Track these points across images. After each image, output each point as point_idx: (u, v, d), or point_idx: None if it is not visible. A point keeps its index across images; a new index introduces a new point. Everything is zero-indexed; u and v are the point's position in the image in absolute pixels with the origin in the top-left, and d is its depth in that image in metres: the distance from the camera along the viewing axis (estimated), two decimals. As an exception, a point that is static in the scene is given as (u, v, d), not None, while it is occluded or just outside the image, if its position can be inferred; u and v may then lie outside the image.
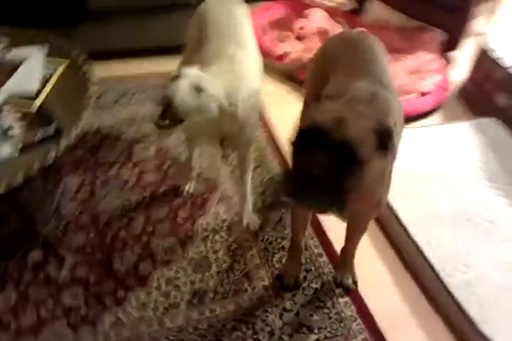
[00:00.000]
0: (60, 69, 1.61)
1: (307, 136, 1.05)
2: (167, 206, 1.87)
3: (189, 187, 1.91)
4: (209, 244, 1.76)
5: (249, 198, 1.82)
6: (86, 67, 1.62)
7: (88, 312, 1.53)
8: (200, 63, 1.60)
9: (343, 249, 1.63)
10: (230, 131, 1.53)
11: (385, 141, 1.05)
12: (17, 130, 1.39)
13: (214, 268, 1.69)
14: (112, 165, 1.99)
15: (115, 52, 2.37)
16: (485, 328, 1.52)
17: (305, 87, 1.72)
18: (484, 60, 2.38)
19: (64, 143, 1.33)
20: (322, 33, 2.78)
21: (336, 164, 1.01)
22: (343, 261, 1.66)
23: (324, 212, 1.21)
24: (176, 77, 1.40)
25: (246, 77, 1.55)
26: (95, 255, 1.68)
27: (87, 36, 2.21)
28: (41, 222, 1.75)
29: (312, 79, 1.63)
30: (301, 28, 2.79)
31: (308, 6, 3.00)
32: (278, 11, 2.98)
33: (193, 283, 1.64)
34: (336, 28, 2.83)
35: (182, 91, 1.36)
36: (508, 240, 1.81)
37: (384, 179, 1.26)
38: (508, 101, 2.29)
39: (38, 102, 1.48)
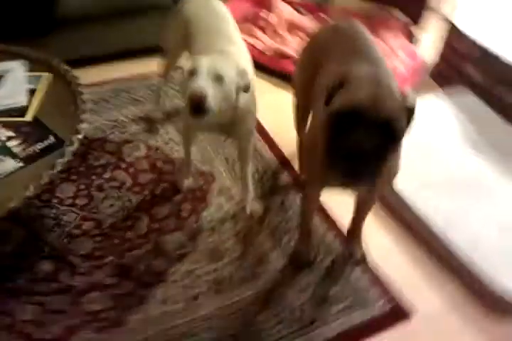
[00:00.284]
0: (45, 81, 1.59)
1: (347, 117, 1.08)
2: (169, 202, 1.87)
3: (187, 182, 1.93)
4: (217, 234, 1.78)
5: (251, 186, 1.85)
6: (70, 76, 1.60)
7: (112, 315, 1.53)
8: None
9: (353, 223, 1.69)
10: (234, 118, 1.55)
11: (411, 118, 1.11)
12: (15, 142, 1.37)
13: (227, 257, 1.71)
14: (104, 168, 1.98)
15: (89, 59, 2.34)
16: (495, 283, 1.62)
17: (295, 80, 1.76)
18: (451, 35, 2.48)
19: (70, 149, 1.32)
20: (290, 25, 2.83)
21: (381, 141, 1.06)
22: (352, 234, 1.72)
23: (358, 185, 1.24)
24: (192, 72, 1.39)
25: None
26: (106, 258, 1.68)
27: (59, 44, 2.17)
28: (43, 232, 1.73)
29: (303, 71, 1.67)
30: (266, 20, 2.82)
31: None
32: (244, 5, 3.00)
33: (209, 273, 1.66)
34: (302, 20, 2.89)
35: (207, 86, 1.35)
36: (496, 200, 1.92)
37: (400, 153, 1.32)
38: (477, 72, 2.40)
39: (29, 115, 1.46)
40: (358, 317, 1.59)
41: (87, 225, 1.77)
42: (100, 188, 1.91)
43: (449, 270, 1.75)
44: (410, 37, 2.91)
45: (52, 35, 2.17)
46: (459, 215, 1.82)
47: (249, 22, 2.82)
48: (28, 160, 1.33)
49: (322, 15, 2.96)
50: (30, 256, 1.67)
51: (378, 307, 1.62)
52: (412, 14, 2.86)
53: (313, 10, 3.09)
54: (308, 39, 1.73)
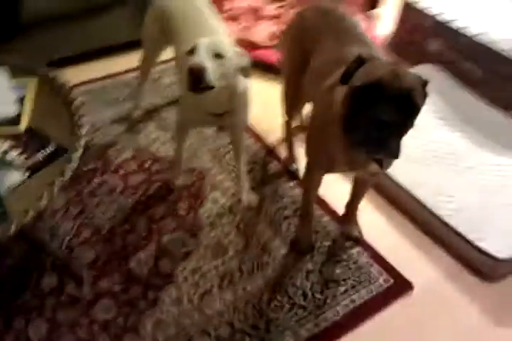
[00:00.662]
0: (32, 87, 1.54)
1: (370, 91, 1.11)
2: (164, 202, 1.88)
3: (180, 180, 1.93)
4: (218, 228, 1.81)
5: (245, 178, 1.87)
6: (59, 81, 1.56)
7: (127, 321, 1.53)
8: (177, 55, 1.61)
9: (349, 204, 1.75)
10: (231, 105, 1.55)
11: (426, 92, 1.16)
12: (14, 153, 1.33)
13: (231, 250, 1.75)
14: (93, 173, 1.95)
15: (61, 60, 2.28)
16: (482, 245, 1.73)
17: (284, 66, 1.78)
18: (410, 12, 2.55)
19: (76, 155, 1.31)
20: (253, 12, 2.83)
21: (403, 113, 1.10)
22: (349, 215, 1.79)
23: (383, 157, 1.27)
24: (191, 51, 1.39)
25: None
26: (111, 264, 1.67)
27: (27, 48, 2.09)
28: (43, 244, 1.70)
29: (291, 57, 1.69)
30: (231, 10, 2.81)
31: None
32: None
33: (216, 268, 1.69)
34: (262, 5, 2.89)
35: (206, 61, 1.35)
36: (471, 166, 2.03)
37: None
38: (440, 46, 2.49)
39: (24, 124, 1.42)
40: (364, 294, 1.66)
41: (85, 233, 1.76)
42: (92, 194, 1.88)
43: (440, 242, 1.85)
44: (368, 14, 2.97)
45: (18, 40, 2.09)
46: (441, 186, 1.92)
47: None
48: (33, 169, 1.30)
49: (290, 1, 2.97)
50: (34, 270, 1.64)
51: (381, 283, 1.70)
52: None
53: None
54: (290, 24, 1.74)
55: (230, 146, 2.11)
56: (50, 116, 1.48)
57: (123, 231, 1.78)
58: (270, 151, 2.13)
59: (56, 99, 1.52)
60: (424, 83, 1.17)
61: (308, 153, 1.49)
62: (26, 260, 1.66)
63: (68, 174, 1.26)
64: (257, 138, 2.18)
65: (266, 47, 2.62)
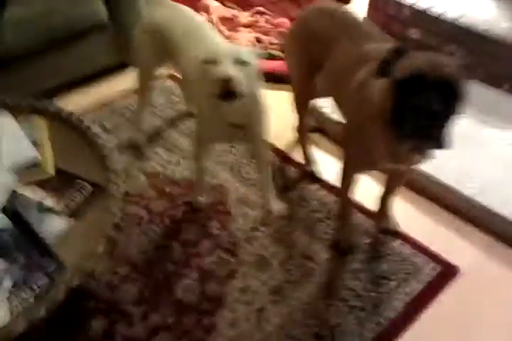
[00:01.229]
0: (42, 127, 1.49)
1: (412, 82, 1.11)
2: (195, 224, 1.84)
3: (204, 200, 1.89)
4: (255, 242, 1.78)
5: (271, 188, 1.85)
6: (75, 119, 1.52)
7: (189, 352, 1.49)
8: (183, 72, 1.59)
9: (384, 198, 1.75)
10: (252, 116, 1.55)
11: (465, 74, 1.15)
12: (51, 199, 1.28)
13: (274, 262, 1.72)
14: (114, 207, 1.90)
15: (44, 93, 2.22)
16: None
17: (293, 72, 1.76)
18: (386, 3, 2.58)
19: (119, 192, 1.27)
20: (229, 21, 2.82)
21: (447, 101, 1.10)
22: (384, 209, 1.78)
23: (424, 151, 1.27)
24: (211, 61, 1.37)
25: None
26: (157, 297, 1.62)
27: (5, 84, 2.01)
28: (83, 289, 1.64)
29: (299, 59, 1.68)
30: (208, 21, 2.79)
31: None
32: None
33: (264, 283, 1.66)
34: (234, 13, 2.89)
35: (233, 70, 1.33)
36: (481, 143, 2.05)
37: None
38: (421, 34, 2.52)
39: (50, 168, 1.37)
40: (416, 285, 1.66)
41: (123, 271, 1.69)
42: (118, 228, 1.83)
43: (474, 222, 1.86)
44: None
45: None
46: (465, 169, 1.93)
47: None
48: (77, 214, 1.26)
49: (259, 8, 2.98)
50: (80, 315, 1.58)
51: (429, 271, 1.70)
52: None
53: (240, 2, 3.10)
54: (293, 28, 1.72)
55: (244, 159, 2.10)
56: (71, 154, 1.44)
57: (160, 261, 1.72)
58: (285, 157, 2.12)
59: (71, 134, 1.47)
60: (464, 66, 1.17)
61: (347, 153, 1.49)
62: (69, 306, 1.59)
63: (118, 213, 1.22)
64: (270, 145, 2.15)
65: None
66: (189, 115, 2.31)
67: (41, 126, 1.50)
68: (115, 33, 2.38)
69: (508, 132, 2.10)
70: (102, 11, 2.25)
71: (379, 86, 1.22)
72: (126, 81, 2.54)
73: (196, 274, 1.69)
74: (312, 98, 1.81)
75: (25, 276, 1.11)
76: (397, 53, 1.19)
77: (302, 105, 1.85)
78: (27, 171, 1.36)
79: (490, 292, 1.67)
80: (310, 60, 1.61)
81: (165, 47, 1.69)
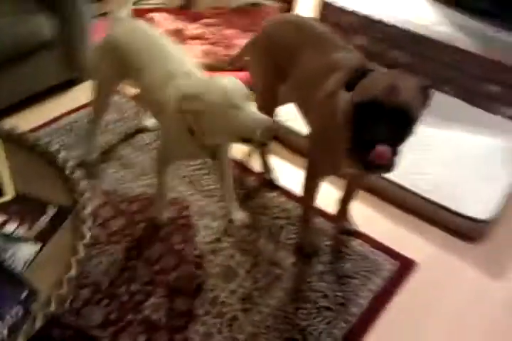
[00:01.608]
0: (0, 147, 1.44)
1: (366, 107, 1.17)
2: (156, 240, 1.82)
3: (165, 214, 1.89)
4: (220, 253, 1.79)
5: (234, 198, 1.88)
6: (32, 138, 1.48)
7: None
8: (146, 90, 1.60)
9: (343, 200, 1.82)
10: None
11: (428, 95, 1.23)
12: (12, 225, 1.24)
13: (241, 271, 1.74)
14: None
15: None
16: (465, 212, 1.88)
17: (257, 81, 1.79)
18: (329, 11, 2.69)
19: (87, 213, 1.25)
20: (175, 33, 2.84)
21: (397, 126, 1.16)
22: (343, 211, 1.85)
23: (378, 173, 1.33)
24: (234, 106, 1.35)
25: None
26: (124, 318, 1.57)
27: None
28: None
29: (266, 68, 1.71)
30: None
31: (143, 12, 3.00)
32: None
33: (233, 292, 1.68)
34: (181, 26, 2.91)
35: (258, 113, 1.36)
36: (429, 144, 2.17)
37: None
38: (365, 41, 2.65)
39: (9, 191, 1.32)
40: (378, 281, 1.74)
41: (85, 293, 1.64)
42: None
43: (426, 218, 1.98)
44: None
45: None
46: (415, 169, 2.03)
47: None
48: (43, 238, 1.22)
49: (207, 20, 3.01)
50: (45, 343, 1.53)
51: (389, 267, 1.79)
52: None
53: (182, 13, 3.14)
54: (257, 40, 1.76)
55: (201, 171, 2.11)
56: (30, 175, 1.40)
57: (124, 281, 1.69)
58: (243, 167, 2.15)
59: (27, 154, 1.44)
60: (425, 87, 1.23)
61: (312, 158, 1.54)
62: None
63: (88, 235, 1.21)
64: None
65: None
66: (143, 130, 2.31)
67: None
68: (63, 50, 2.34)
69: (450, 132, 2.24)
70: (46, 29, 2.20)
71: (345, 99, 1.28)
72: (74, 98, 2.50)
73: (163, 291, 1.67)
74: (276, 106, 1.85)
75: (-5, 307, 1.08)
76: (362, 71, 1.25)
77: (266, 114, 1.88)
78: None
79: (446, 283, 1.77)
80: (275, 69, 1.66)
81: (125, 63, 1.68)
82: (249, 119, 1.33)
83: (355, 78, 1.24)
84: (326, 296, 1.68)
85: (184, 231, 1.87)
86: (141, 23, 1.81)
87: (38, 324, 1.06)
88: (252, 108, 1.36)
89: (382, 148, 1.14)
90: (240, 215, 1.89)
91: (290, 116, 2.12)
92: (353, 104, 1.23)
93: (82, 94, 2.52)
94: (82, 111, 2.42)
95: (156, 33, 1.73)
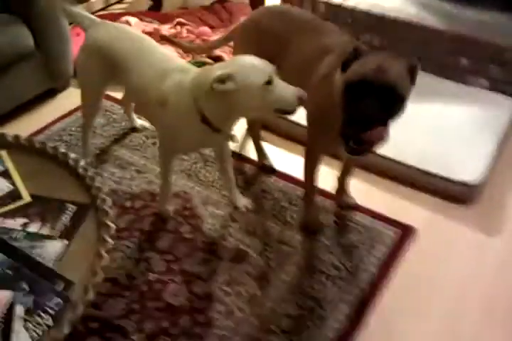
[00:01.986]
0: (7, 159, 1.48)
1: (356, 86, 1.26)
2: (166, 232, 1.88)
3: (170, 207, 1.95)
4: (230, 238, 1.87)
5: (234, 185, 1.95)
6: (33, 143, 1.52)
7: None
8: (138, 89, 1.65)
9: (341, 177, 1.92)
10: None
11: (415, 75, 1.31)
12: (35, 225, 1.29)
13: (253, 252, 1.81)
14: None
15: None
16: (454, 177, 1.99)
17: None
18: (303, 2, 2.77)
19: (107, 205, 1.30)
20: (151, 34, 2.87)
21: (386, 103, 1.26)
22: (342, 187, 1.95)
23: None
24: (268, 81, 1.40)
25: None
26: (147, 307, 1.64)
27: None
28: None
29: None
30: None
31: (116, 16, 3.04)
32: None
33: (248, 273, 1.75)
34: (156, 27, 2.96)
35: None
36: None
37: None
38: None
39: (26, 195, 1.37)
40: (383, 249, 1.84)
41: (104, 288, 1.68)
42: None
43: (418, 187, 2.09)
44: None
45: None
46: (402, 142, 2.11)
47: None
48: (67, 235, 1.27)
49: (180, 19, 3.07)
50: (72, 339, 1.57)
51: (391, 235, 1.89)
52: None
53: (152, 15, 3.19)
54: (244, 31, 1.81)
55: (198, 164, 2.17)
56: (41, 178, 1.44)
57: (141, 273, 1.75)
58: (239, 156, 2.23)
59: (39, 159, 1.48)
60: (412, 67, 1.31)
61: (311, 137, 1.62)
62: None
63: (113, 226, 1.26)
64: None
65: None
66: (132, 131, 2.36)
67: (3, 156, 1.49)
68: (42, 59, 2.36)
69: (430, 105, 2.35)
70: (27, 40, 2.23)
71: (340, 80, 1.37)
72: (59, 106, 2.53)
73: (180, 278, 1.74)
74: None
75: (35, 301, 1.12)
76: (356, 53, 1.33)
77: None
78: (2, 202, 1.35)
79: (446, 244, 1.88)
80: (265, 56, 1.72)
81: (111, 65, 1.72)
82: (284, 91, 1.41)
83: (350, 60, 1.33)
84: (336, 267, 1.77)
85: (191, 222, 1.93)
86: (121, 25, 1.86)
87: (80, 311, 1.11)
88: (279, 80, 1.43)
89: (378, 129, 1.23)
90: (243, 201, 1.96)
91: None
92: (344, 84, 1.31)
93: (66, 101, 2.56)
94: (68, 119, 2.45)
95: (138, 34, 1.79)
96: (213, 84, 1.40)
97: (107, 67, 1.74)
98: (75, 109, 2.49)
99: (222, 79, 1.40)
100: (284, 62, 1.65)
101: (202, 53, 2.29)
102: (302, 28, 1.65)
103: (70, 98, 2.56)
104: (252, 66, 1.42)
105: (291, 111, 1.46)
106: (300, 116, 2.20)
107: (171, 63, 1.63)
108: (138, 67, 1.66)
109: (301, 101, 1.41)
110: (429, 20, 2.57)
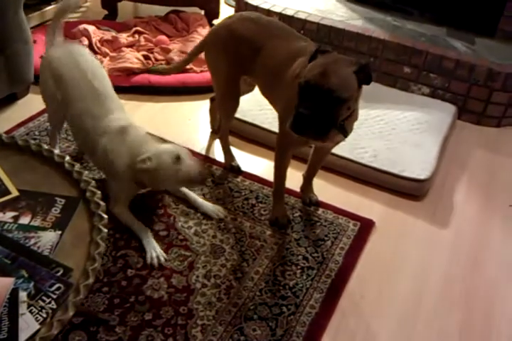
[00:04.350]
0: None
1: (303, 88, 1.43)
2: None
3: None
4: (204, 234, 1.94)
5: (196, 197, 2.07)
6: (16, 140, 1.54)
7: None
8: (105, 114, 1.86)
9: (307, 175, 2.07)
10: None
11: (367, 75, 1.46)
12: (26, 218, 1.32)
13: (227, 247, 1.91)
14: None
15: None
16: (406, 174, 2.19)
17: (220, 72, 1.95)
18: (247, 10, 2.94)
19: (98, 197, 1.35)
20: (107, 43, 2.94)
21: (326, 105, 1.43)
22: (307, 185, 2.09)
23: (323, 140, 1.57)
24: (177, 158, 1.75)
25: None
26: (127, 300, 1.68)
27: None
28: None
29: (227, 61, 1.88)
30: (90, 44, 2.87)
31: (75, 24, 3.06)
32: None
33: (223, 265, 1.83)
34: (114, 35, 3.01)
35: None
36: (361, 123, 2.48)
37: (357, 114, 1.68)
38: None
39: (13, 189, 1.38)
40: (346, 240, 1.99)
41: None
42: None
43: (372, 184, 2.27)
44: (211, 25, 3.33)
45: None
46: (357, 143, 2.32)
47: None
48: (60, 226, 1.30)
49: (137, 28, 3.14)
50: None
51: (352, 227, 2.04)
52: (211, 8, 3.27)
53: (109, 24, 3.24)
54: (217, 37, 1.92)
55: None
56: (30, 175, 1.47)
57: (119, 269, 1.79)
58: (207, 159, 2.32)
59: (22, 155, 1.51)
60: (361, 67, 1.46)
61: (282, 132, 1.74)
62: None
63: (105, 216, 1.31)
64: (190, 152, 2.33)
65: (142, 72, 2.76)
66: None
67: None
68: (4, 65, 2.35)
69: (378, 111, 2.57)
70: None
71: None
72: (20, 111, 2.52)
73: (159, 273, 1.79)
74: (240, 96, 2.04)
75: (36, 287, 1.15)
76: (315, 54, 1.50)
77: (230, 106, 2.06)
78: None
79: (402, 235, 2.06)
80: (238, 61, 1.84)
81: (59, 88, 1.90)
82: (191, 170, 1.76)
83: (312, 58, 1.51)
84: (305, 258, 1.90)
85: (164, 220, 1.99)
86: (77, 48, 2.01)
87: (83, 295, 1.15)
88: (187, 159, 1.78)
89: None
90: (214, 209, 2.04)
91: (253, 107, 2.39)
92: (297, 84, 1.48)
93: (27, 107, 2.55)
94: (31, 124, 2.45)
95: (94, 65, 1.95)
96: (137, 165, 1.75)
97: (56, 87, 1.91)
98: (38, 114, 2.49)
99: (143, 160, 1.74)
100: (257, 64, 1.79)
101: (180, 69, 2.42)
102: (274, 33, 1.80)
103: (31, 103, 2.55)
104: (170, 151, 1.76)
105: (198, 183, 1.87)
106: (262, 121, 2.37)
107: (110, 119, 1.84)
108: (78, 103, 1.87)
109: (202, 176, 1.78)
110: (374, 31, 2.82)
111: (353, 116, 1.64)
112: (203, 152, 2.37)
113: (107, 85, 1.91)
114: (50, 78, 1.91)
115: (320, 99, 1.43)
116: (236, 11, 3.06)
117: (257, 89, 2.07)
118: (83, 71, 1.87)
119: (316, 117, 1.45)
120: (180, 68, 2.41)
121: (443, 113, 2.60)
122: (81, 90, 1.85)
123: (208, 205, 2.04)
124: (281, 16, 2.91)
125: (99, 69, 1.93)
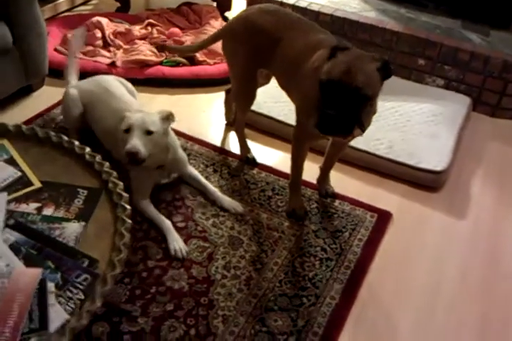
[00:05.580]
0: (11, 147, 1.50)
1: (327, 86, 1.41)
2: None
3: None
4: (222, 225, 1.95)
5: (215, 189, 2.07)
6: (38, 132, 1.55)
7: (198, 331, 1.60)
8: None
9: (324, 168, 2.06)
10: (170, 158, 1.95)
11: (388, 71, 1.45)
12: (50, 209, 1.32)
13: (245, 238, 1.91)
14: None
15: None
16: (422, 165, 2.18)
17: (238, 64, 1.94)
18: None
19: (120, 188, 1.36)
20: (121, 35, 2.93)
21: (351, 102, 1.42)
22: (324, 177, 2.09)
23: (346, 137, 1.58)
24: (127, 129, 1.74)
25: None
26: (149, 292, 1.69)
27: None
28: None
29: (247, 53, 1.87)
30: (103, 37, 2.87)
31: (88, 16, 3.05)
32: (59, 34, 2.93)
33: (242, 257, 1.84)
34: (127, 27, 3.01)
35: (139, 141, 1.72)
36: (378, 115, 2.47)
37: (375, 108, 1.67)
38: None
39: (36, 181, 1.40)
40: (364, 231, 1.98)
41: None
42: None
43: (388, 176, 2.27)
44: (223, 17, 3.31)
45: None
46: (372, 135, 2.31)
47: (89, 45, 2.83)
48: (83, 217, 1.31)
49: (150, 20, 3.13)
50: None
51: (370, 219, 2.04)
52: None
53: (121, 16, 3.23)
54: (236, 29, 1.90)
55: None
56: (50, 165, 1.48)
57: (139, 260, 1.80)
58: (220, 150, 2.32)
59: (42, 147, 1.52)
60: (383, 63, 1.44)
61: (300, 124, 1.74)
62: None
63: (128, 207, 1.32)
64: (203, 143, 2.35)
65: (156, 64, 2.76)
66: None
67: (6, 144, 1.50)
68: (18, 57, 2.35)
69: (393, 103, 2.55)
70: (7, 36, 2.22)
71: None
72: (35, 103, 2.52)
73: (179, 264, 1.80)
74: (257, 88, 2.03)
75: (63, 277, 1.16)
76: (335, 50, 1.48)
77: (246, 98, 2.05)
78: (14, 188, 1.37)
79: (419, 226, 2.06)
80: (256, 53, 1.83)
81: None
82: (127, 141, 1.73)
83: (331, 55, 1.48)
84: (324, 249, 1.90)
85: (182, 212, 2.00)
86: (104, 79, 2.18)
87: (110, 285, 1.16)
88: (135, 134, 1.73)
89: None
90: (231, 203, 2.03)
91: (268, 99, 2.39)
92: (319, 81, 1.46)
93: (42, 98, 2.56)
94: (46, 117, 2.45)
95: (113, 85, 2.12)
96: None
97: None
98: (52, 107, 2.49)
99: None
100: (276, 56, 1.78)
101: (193, 53, 2.43)
102: (293, 25, 1.79)
103: (47, 95, 2.56)
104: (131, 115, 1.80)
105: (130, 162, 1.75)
106: (278, 113, 2.36)
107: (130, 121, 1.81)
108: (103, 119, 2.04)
109: (130, 155, 1.71)
110: (388, 23, 2.80)
111: (372, 110, 1.63)
112: (218, 144, 2.37)
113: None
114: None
115: (346, 97, 1.42)
116: (248, 3, 3.04)
117: (271, 82, 2.06)
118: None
119: (342, 116, 1.44)
120: (195, 51, 2.49)
121: (458, 105, 2.59)
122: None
123: (226, 200, 2.04)
124: (294, 8, 2.89)
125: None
